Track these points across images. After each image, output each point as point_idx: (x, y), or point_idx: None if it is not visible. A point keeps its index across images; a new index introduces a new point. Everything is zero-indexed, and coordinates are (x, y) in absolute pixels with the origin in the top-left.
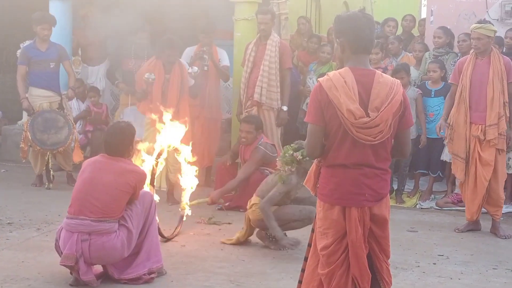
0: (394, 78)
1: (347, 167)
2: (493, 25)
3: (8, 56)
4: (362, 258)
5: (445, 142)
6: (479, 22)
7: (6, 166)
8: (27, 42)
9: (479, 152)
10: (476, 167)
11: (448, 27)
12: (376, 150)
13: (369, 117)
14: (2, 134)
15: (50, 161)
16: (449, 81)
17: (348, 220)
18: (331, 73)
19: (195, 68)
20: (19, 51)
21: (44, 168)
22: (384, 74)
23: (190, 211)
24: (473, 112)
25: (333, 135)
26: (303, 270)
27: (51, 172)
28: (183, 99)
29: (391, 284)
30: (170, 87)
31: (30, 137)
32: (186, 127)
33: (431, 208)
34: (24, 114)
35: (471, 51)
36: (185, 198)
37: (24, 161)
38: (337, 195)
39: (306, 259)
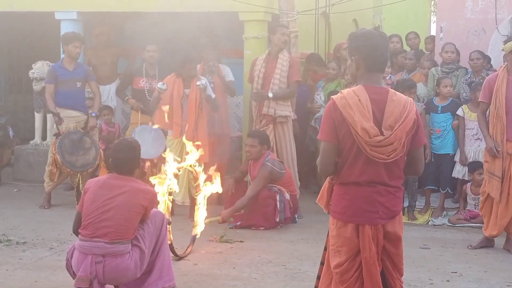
0: (407, 97)
1: (360, 185)
2: None
3: (21, 76)
4: (375, 276)
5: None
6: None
7: (18, 185)
8: (38, 63)
9: None
10: (509, 185)
11: (458, 43)
12: (389, 168)
13: (383, 135)
14: (14, 154)
15: (80, 183)
16: (479, 100)
17: (361, 238)
18: (345, 91)
19: (203, 80)
20: (31, 71)
21: (75, 190)
22: (397, 93)
23: (201, 229)
24: (509, 130)
25: (346, 153)
26: None
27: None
28: (202, 114)
29: None
30: (189, 102)
31: (60, 160)
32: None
33: (443, 224)
34: (37, 133)
35: (499, 67)
36: (198, 216)
37: (49, 182)
38: (350, 212)
39: (319, 277)
